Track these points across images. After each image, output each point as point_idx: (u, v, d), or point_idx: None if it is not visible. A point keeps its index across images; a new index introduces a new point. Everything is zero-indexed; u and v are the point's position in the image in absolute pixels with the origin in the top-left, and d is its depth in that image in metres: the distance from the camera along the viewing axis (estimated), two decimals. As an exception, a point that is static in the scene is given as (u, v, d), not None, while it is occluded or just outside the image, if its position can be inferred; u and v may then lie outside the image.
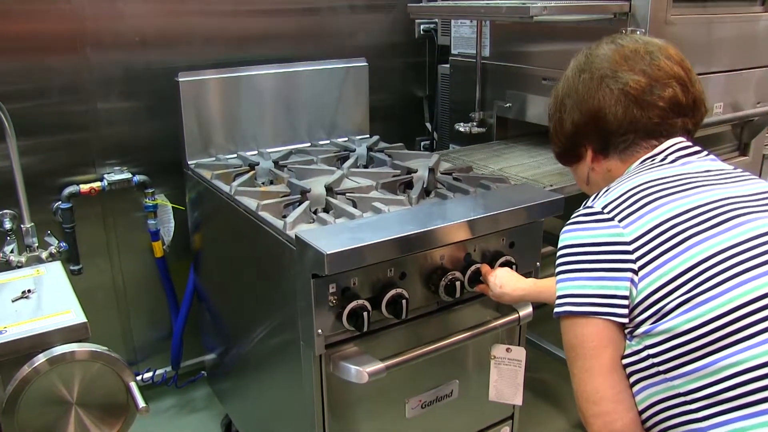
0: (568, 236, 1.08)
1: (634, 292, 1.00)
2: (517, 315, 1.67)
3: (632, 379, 1.03)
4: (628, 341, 1.03)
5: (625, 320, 1.01)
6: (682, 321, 0.96)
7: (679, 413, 0.98)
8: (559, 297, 1.06)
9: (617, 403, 1.02)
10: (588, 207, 1.09)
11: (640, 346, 1.00)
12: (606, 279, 1.02)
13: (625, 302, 1.00)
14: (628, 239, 1.01)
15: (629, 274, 1.00)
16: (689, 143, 1.16)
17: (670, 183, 1.07)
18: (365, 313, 1.41)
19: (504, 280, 1.54)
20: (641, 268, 1.00)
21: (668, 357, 0.97)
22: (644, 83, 1.13)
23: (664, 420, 1.00)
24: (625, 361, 1.03)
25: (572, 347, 1.06)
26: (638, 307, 1.00)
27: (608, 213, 1.05)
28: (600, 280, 1.02)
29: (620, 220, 1.03)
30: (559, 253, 1.09)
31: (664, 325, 0.97)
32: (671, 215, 1.01)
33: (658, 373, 0.99)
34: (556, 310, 1.06)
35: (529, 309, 1.69)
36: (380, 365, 1.45)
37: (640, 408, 1.03)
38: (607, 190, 1.11)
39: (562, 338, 1.08)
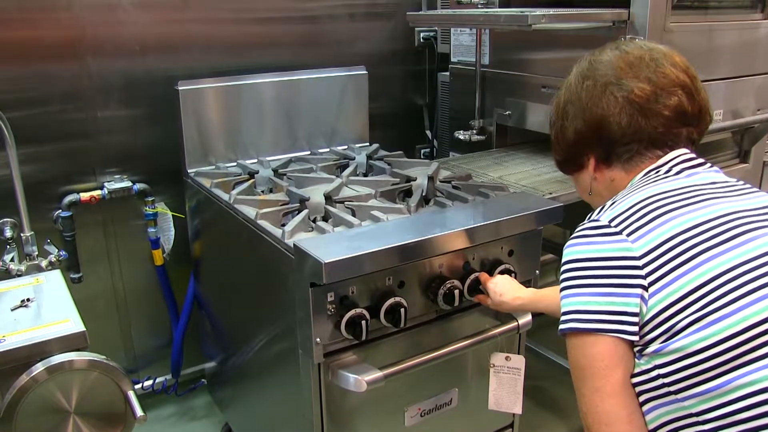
0: (573, 250, 1.05)
1: (644, 309, 0.97)
2: (516, 323, 1.67)
3: (641, 398, 1.00)
4: (636, 360, 0.99)
5: (636, 338, 0.98)
6: (694, 340, 0.93)
7: None
8: (565, 313, 1.02)
9: (630, 423, 0.99)
10: (594, 220, 1.06)
11: (650, 365, 0.97)
12: (615, 295, 0.98)
13: (636, 319, 0.97)
14: (637, 254, 0.98)
15: (639, 290, 0.97)
16: (693, 155, 1.14)
17: (678, 196, 1.05)
18: (363, 322, 1.41)
19: (504, 289, 1.54)
20: (651, 284, 0.97)
21: (679, 377, 0.95)
22: (649, 91, 1.10)
23: None
24: (634, 380, 1.00)
25: (580, 366, 1.02)
26: (648, 325, 0.97)
27: (616, 227, 1.02)
28: (609, 296, 0.99)
29: (628, 234, 1.00)
30: (563, 268, 1.05)
31: (675, 343, 0.94)
32: (681, 230, 0.99)
33: (669, 393, 0.96)
34: (562, 327, 1.03)
35: (529, 317, 1.68)
36: (379, 374, 1.45)
37: (650, 428, 1.00)
38: (613, 204, 1.08)
39: (567, 356, 1.05)
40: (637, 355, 0.99)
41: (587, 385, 1.01)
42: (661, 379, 0.97)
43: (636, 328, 0.98)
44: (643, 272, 0.98)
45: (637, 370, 0.99)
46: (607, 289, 0.99)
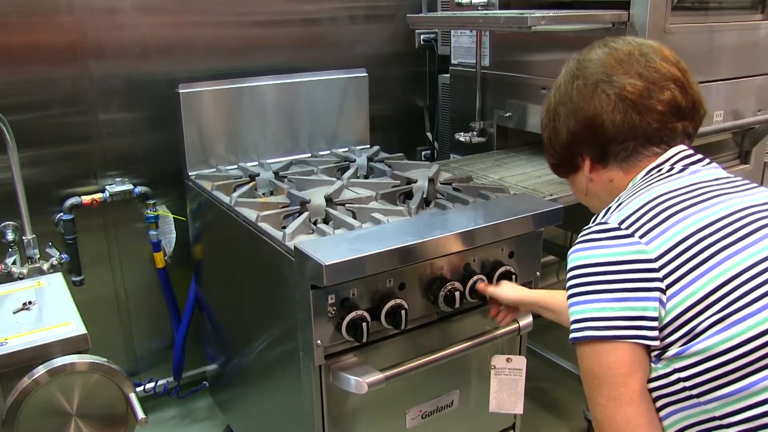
0: (581, 255, 1.01)
1: (662, 312, 0.94)
2: (517, 325, 1.67)
3: (659, 403, 0.98)
4: (653, 364, 0.97)
5: (656, 342, 0.95)
6: (718, 341, 0.91)
7: None
8: (577, 321, 0.99)
9: (650, 430, 0.96)
10: (601, 223, 1.03)
11: (669, 369, 0.95)
12: (632, 300, 0.95)
13: (655, 324, 0.94)
14: (652, 256, 0.95)
15: (657, 294, 0.94)
16: (691, 151, 1.12)
17: (687, 194, 1.02)
18: (364, 324, 1.41)
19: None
20: (669, 286, 0.94)
21: (702, 380, 0.92)
22: (641, 87, 1.07)
23: None
24: (651, 385, 0.97)
25: (595, 375, 0.98)
26: (667, 328, 0.94)
27: (626, 229, 0.99)
28: (625, 301, 0.95)
29: (641, 236, 0.97)
30: (570, 274, 1.01)
31: (697, 346, 0.92)
32: (695, 229, 0.96)
33: (690, 396, 0.94)
34: (574, 335, 0.99)
35: (530, 318, 1.68)
36: (380, 376, 1.45)
37: None
38: (619, 205, 1.05)
39: (579, 365, 1.01)
40: (654, 359, 0.97)
41: (603, 394, 0.98)
42: (681, 383, 0.94)
43: (656, 333, 0.95)
44: (659, 274, 0.95)
45: (654, 374, 0.97)
46: (623, 294, 0.96)
